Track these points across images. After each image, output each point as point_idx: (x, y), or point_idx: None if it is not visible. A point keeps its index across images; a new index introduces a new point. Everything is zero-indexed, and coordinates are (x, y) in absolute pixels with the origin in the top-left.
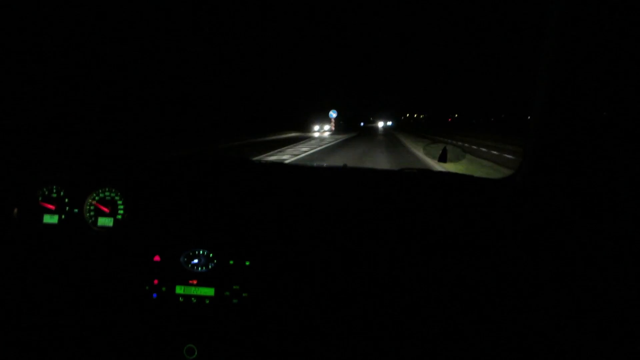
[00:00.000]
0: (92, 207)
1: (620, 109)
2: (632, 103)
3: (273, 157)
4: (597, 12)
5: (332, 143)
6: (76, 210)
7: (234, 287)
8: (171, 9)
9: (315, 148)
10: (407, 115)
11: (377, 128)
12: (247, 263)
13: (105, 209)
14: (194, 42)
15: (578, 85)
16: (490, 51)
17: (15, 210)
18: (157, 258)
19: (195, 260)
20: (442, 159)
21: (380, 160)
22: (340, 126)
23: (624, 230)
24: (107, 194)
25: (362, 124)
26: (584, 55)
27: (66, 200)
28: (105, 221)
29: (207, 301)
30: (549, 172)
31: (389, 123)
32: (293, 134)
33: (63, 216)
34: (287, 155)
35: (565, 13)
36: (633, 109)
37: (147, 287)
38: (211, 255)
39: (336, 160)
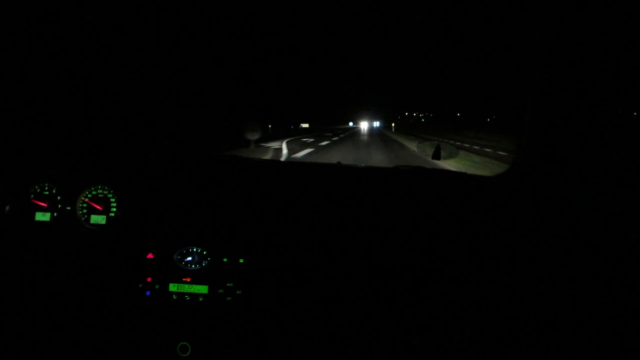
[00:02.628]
0: (84, 205)
1: (615, 104)
2: (627, 99)
3: None
4: (592, 8)
5: None
6: (68, 207)
7: (228, 284)
8: (171, 9)
9: None
10: (407, 114)
11: (360, 131)
12: (241, 260)
13: (98, 207)
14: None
15: (571, 81)
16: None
17: (7, 207)
18: (150, 256)
19: (189, 258)
20: (436, 156)
21: None
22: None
23: (618, 226)
24: (99, 191)
25: (351, 124)
26: (579, 51)
27: (58, 197)
28: (98, 219)
29: (201, 299)
30: (543, 169)
31: (377, 124)
32: None
33: (55, 214)
34: None
35: (560, 9)
36: (628, 104)
37: (140, 285)
38: (205, 252)
39: None
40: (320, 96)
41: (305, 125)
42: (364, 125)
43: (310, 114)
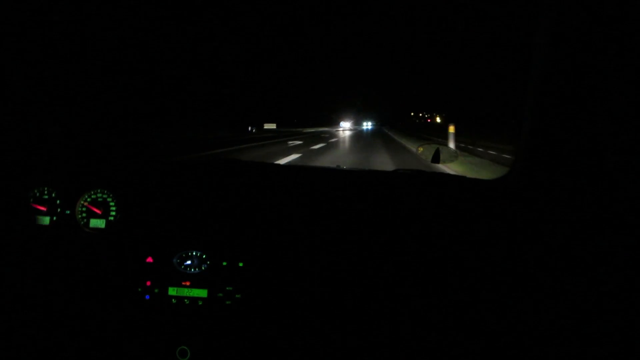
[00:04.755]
0: (84, 209)
1: (614, 107)
2: (626, 101)
3: None
4: (591, 10)
5: None
6: (68, 211)
7: (227, 288)
8: (174, 10)
9: None
10: (412, 114)
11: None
12: (241, 264)
13: (98, 210)
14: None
15: (570, 83)
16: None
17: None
18: (149, 259)
19: (188, 262)
20: (435, 160)
21: None
22: None
23: (618, 229)
24: (99, 195)
25: (342, 124)
26: (577, 53)
27: (58, 201)
28: (97, 222)
29: (200, 302)
30: (542, 172)
31: (368, 126)
32: None
33: (54, 217)
34: None
35: (559, 10)
36: (627, 107)
37: (139, 289)
38: (204, 256)
39: None
40: (303, 92)
41: (272, 126)
42: (345, 126)
43: (290, 112)
